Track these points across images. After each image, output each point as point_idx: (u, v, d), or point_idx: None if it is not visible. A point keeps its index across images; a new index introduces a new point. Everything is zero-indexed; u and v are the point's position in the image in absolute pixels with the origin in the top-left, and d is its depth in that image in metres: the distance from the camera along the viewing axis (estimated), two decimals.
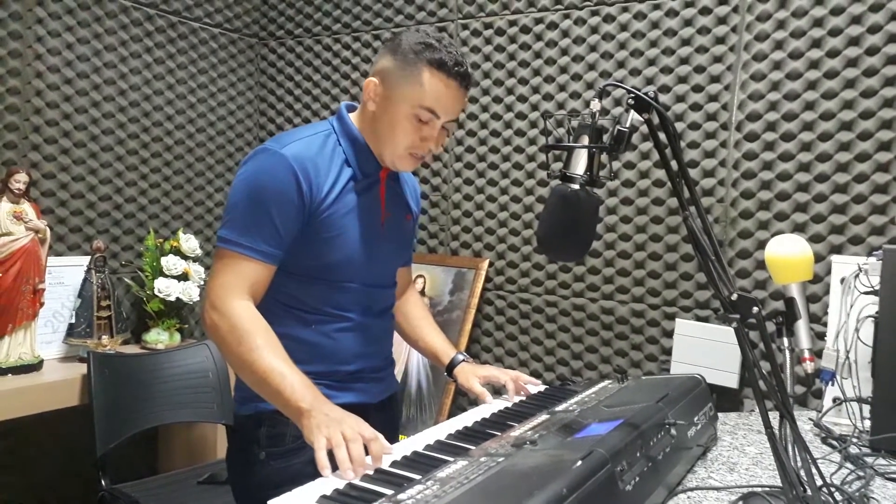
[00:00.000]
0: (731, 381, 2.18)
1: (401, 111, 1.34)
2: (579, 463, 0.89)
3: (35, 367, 2.23)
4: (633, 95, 1.07)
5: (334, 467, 1.04)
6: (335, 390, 1.39)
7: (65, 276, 2.46)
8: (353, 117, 1.44)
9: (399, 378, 2.70)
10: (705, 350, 2.22)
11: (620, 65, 2.44)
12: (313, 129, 1.41)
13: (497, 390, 1.57)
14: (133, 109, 2.75)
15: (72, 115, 2.57)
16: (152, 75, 2.81)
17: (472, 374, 1.56)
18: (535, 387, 1.59)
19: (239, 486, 1.45)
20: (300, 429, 1.18)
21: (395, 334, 1.63)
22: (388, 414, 1.55)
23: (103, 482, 2.13)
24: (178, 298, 2.61)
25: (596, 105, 1.13)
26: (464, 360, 1.60)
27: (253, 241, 1.30)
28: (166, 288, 2.60)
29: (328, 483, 0.99)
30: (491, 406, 1.46)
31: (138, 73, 2.77)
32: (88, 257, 2.48)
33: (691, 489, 1.21)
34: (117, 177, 2.73)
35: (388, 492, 0.90)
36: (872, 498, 1.22)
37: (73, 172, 2.59)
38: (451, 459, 1.02)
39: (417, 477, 0.95)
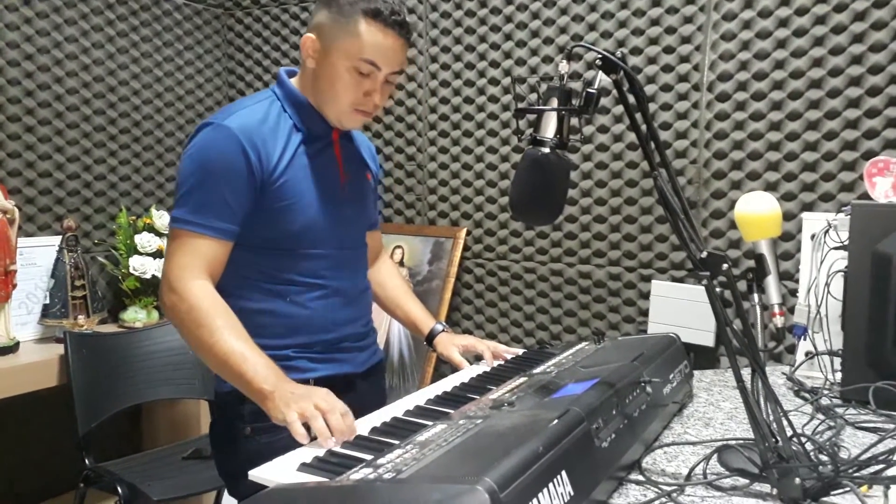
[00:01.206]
0: (707, 339, 2.22)
1: (340, 65, 1.32)
2: (555, 421, 0.90)
3: (11, 349, 2.20)
4: (600, 56, 1.06)
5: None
6: (318, 363, 1.38)
7: (37, 257, 2.42)
8: (294, 81, 1.41)
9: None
10: (681, 310, 2.25)
11: (591, 27, 2.42)
12: (255, 98, 1.38)
13: (477, 360, 1.59)
14: (98, 84, 2.69)
15: (34, 92, 2.51)
16: (116, 49, 2.75)
17: (450, 344, 1.57)
18: (512, 355, 1.60)
19: (224, 462, 1.44)
20: (265, 411, 1.16)
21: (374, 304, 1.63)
22: (374, 383, 1.54)
23: (87, 461, 2.13)
24: (153, 276, 2.59)
25: (564, 66, 1.13)
26: (443, 330, 1.61)
27: (206, 218, 1.27)
28: (141, 266, 2.57)
29: (308, 451, 1.00)
30: (470, 371, 1.48)
31: (101, 46, 2.70)
32: (60, 237, 2.45)
33: (667, 444, 1.24)
34: (85, 154, 2.67)
35: (368, 457, 0.91)
36: (843, 446, 1.25)
37: (40, 151, 2.54)
38: (430, 423, 1.03)
39: (396, 442, 0.96)
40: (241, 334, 1.23)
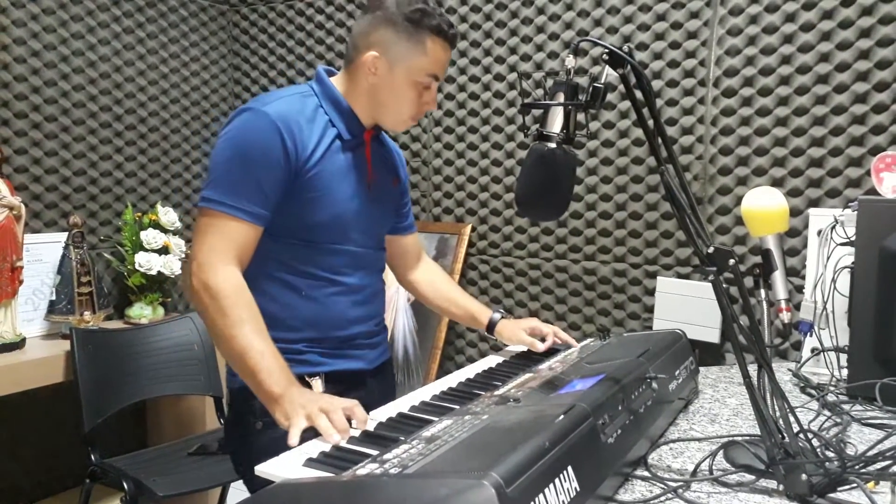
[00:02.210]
0: (712, 336, 2.21)
1: (406, 82, 1.36)
2: (561, 417, 0.90)
3: (18, 345, 2.21)
4: (607, 51, 1.06)
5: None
6: (329, 357, 1.39)
7: (43, 253, 2.43)
8: (334, 82, 1.42)
9: None
10: (687, 306, 2.24)
11: (597, 23, 2.41)
12: (293, 90, 1.40)
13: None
14: (104, 81, 2.70)
15: (41, 89, 2.52)
16: (122, 45, 2.75)
17: (517, 328, 1.61)
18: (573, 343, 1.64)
19: (238, 455, 1.46)
20: (270, 412, 1.18)
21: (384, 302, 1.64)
22: (383, 380, 1.55)
23: (93, 457, 2.14)
24: (159, 272, 2.59)
25: (570, 61, 1.12)
26: (503, 317, 1.65)
27: (239, 200, 1.27)
28: (147, 262, 2.58)
29: (315, 446, 1.00)
30: (474, 367, 1.48)
31: (107, 43, 2.70)
32: (66, 233, 2.45)
33: (673, 441, 1.24)
34: (91, 151, 2.68)
35: (374, 452, 0.91)
36: (849, 443, 1.25)
37: (46, 147, 2.55)
38: (435, 419, 1.03)
39: (402, 437, 0.96)
40: (261, 331, 1.24)
